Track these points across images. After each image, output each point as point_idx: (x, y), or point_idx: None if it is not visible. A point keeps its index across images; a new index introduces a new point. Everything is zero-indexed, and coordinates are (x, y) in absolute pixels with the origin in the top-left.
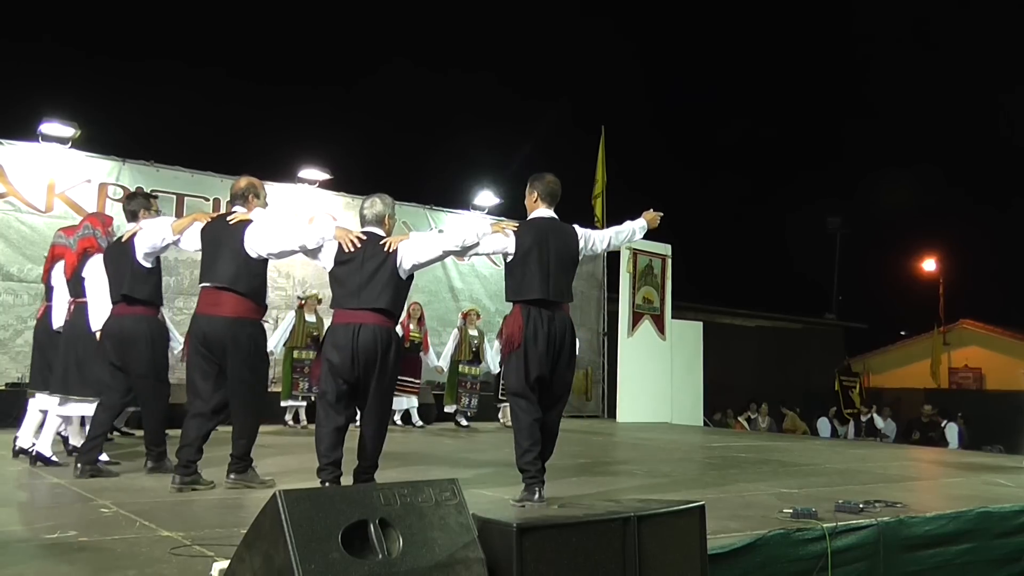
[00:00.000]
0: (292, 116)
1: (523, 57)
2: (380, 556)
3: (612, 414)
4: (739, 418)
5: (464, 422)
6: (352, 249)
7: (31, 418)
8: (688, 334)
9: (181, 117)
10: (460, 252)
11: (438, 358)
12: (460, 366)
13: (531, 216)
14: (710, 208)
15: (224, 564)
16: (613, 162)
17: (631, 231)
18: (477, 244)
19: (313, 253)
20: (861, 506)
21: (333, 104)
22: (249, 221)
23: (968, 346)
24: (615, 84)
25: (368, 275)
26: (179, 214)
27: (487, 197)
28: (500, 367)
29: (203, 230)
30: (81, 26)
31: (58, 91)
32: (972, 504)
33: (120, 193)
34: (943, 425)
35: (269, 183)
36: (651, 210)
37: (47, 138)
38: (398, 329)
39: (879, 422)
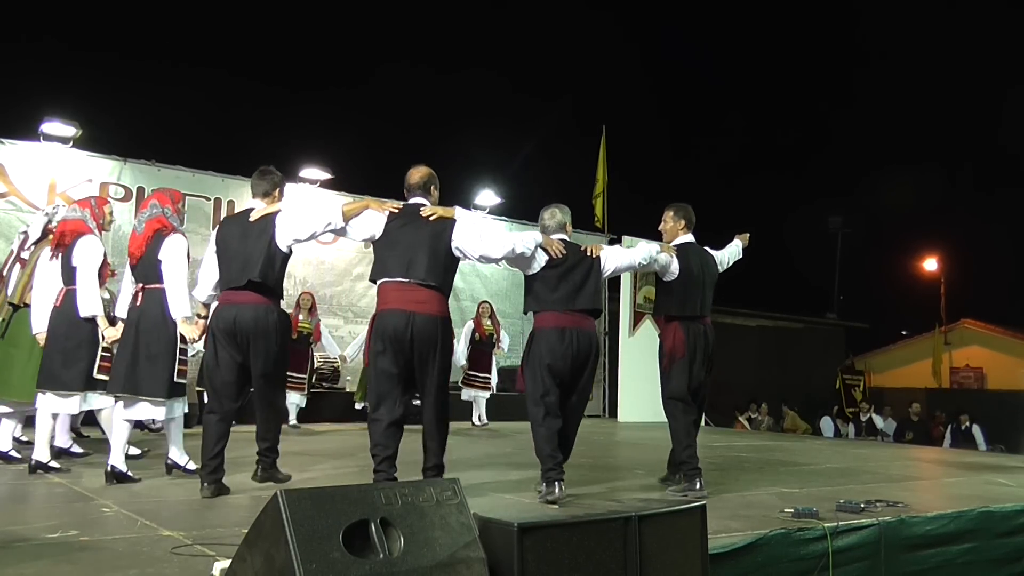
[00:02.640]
0: (293, 115)
1: (524, 56)
2: (381, 555)
3: (613, 413)
4: (740, 417)
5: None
6: (559, 256)
7: (54, 424)
8: None
9: (182, 117)
10: (646, 265)
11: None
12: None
13: (677, 241)
14: (711, 207)
15: (225, 563)
16: (614, 162)
17: (737, 250)
18: (656, 260)
19: (525, 259)
20: (862, 506)
21: (334, 104)
22: (453, 219)
23: (969, 346)
24: (616, 84)
25: (579, 281)
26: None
27: (488, 196)
28: None
29: (391, 221)
30: (82, 26)
31: (59, 90)
32: (973, 504)
33: (122, 193)
34: (969, 426)
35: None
36: (742, 233)
37: (48, 137)
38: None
39: (879, 422)
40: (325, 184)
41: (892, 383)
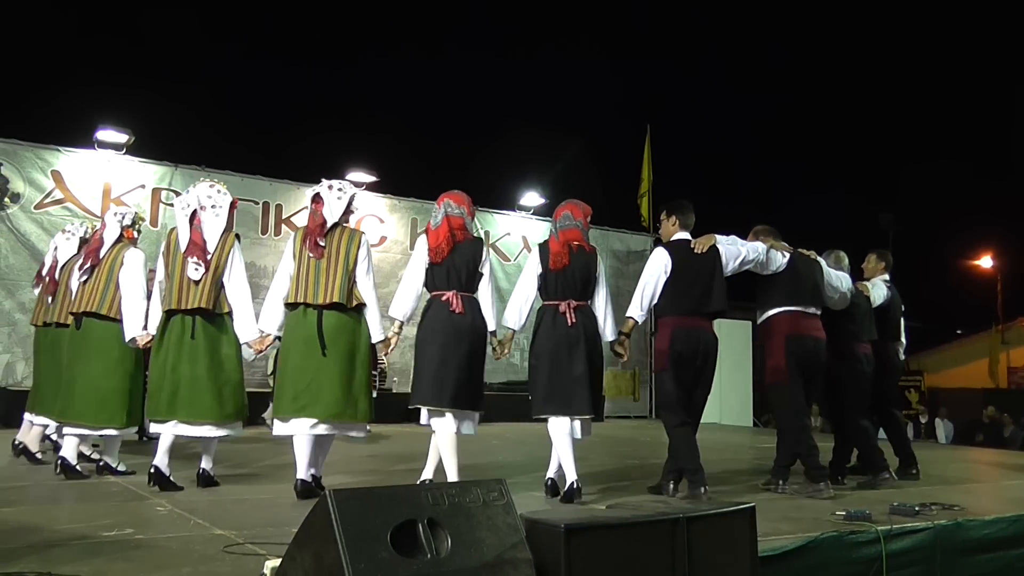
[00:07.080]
0: (339, 121)
1: (568, 57)
2: (429, 556)
3: (660, 415)
4: None
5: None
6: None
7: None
8: (737, 334)
9: (231, 122)
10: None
11: None
12: None
13: (879, 278)
14: (758, 205)
15: (276, 562)
16: (658, 160)
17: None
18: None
19: (845, 298)
20: (917, 509)
21: (378, 106)
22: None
23: None
24: (660, 83)
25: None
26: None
27: (532, 198)
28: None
29: (793, 259)
30: (133, 36)
31: (112, 98)
32: None
33: (173, 198)
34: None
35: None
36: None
37: (103, 145)
38: None
39: (940, 433)
40: (371, 187)
41: (947, 383)
